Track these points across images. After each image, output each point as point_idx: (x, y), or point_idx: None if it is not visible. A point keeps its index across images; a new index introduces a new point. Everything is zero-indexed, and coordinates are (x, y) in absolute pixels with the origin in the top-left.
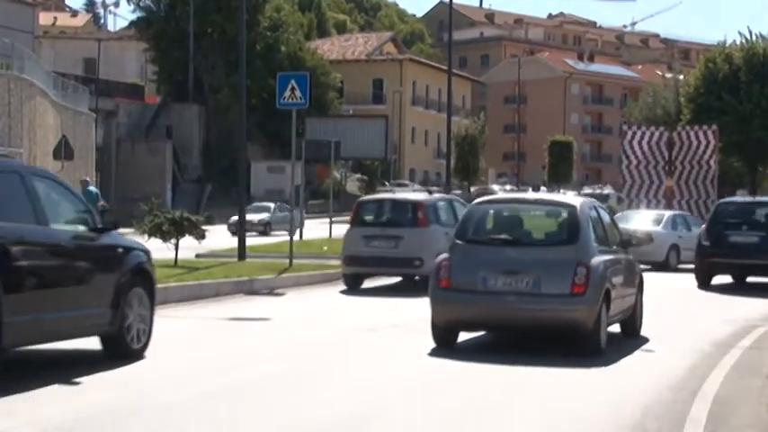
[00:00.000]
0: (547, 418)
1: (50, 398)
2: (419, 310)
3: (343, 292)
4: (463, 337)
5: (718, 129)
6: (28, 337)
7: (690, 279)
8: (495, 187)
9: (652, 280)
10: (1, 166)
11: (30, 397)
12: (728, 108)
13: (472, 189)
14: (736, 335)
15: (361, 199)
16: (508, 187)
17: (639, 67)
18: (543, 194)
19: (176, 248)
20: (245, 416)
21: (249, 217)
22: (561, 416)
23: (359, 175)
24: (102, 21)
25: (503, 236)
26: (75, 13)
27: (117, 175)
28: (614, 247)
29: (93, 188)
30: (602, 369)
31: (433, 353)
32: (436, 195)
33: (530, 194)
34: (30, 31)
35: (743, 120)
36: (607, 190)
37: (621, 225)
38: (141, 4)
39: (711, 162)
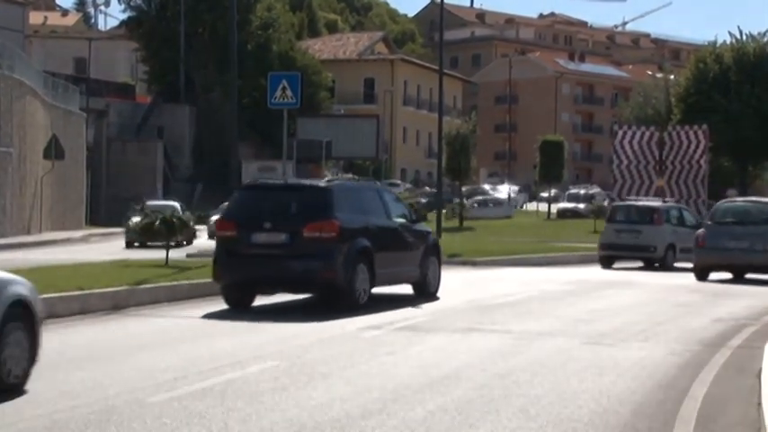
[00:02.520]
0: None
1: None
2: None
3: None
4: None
5: (708, 128)
6: (384, 281)
7: None
8: (486, 187)
9: None
10: (370, 187)
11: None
12: (719, 108)
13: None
14: (726, 334)
15: (615, 204)
16: (500, 186)
17: (630, 66)
18: (756, 198)
19: (167, 249)
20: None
21: None
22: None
23: (350, 175)
24: (92, 20)
25: (733, 219)
26: (65, 13)
27: (108, 175)
28: None
29: None
30: None
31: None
32: (668, 204)
33: (747, 198)
34: (20, 31)
35: (733, 119)
36: (594, 190)
37: None
38: (132, 3)
39: (702, 162)
